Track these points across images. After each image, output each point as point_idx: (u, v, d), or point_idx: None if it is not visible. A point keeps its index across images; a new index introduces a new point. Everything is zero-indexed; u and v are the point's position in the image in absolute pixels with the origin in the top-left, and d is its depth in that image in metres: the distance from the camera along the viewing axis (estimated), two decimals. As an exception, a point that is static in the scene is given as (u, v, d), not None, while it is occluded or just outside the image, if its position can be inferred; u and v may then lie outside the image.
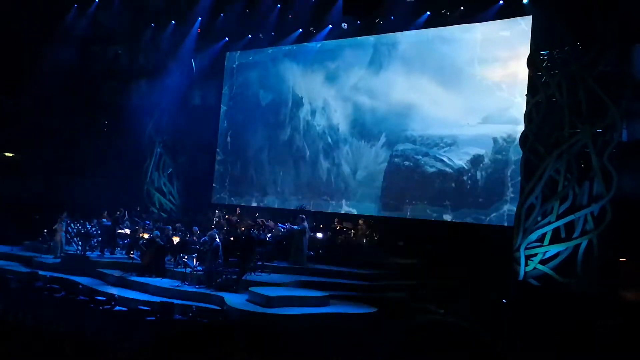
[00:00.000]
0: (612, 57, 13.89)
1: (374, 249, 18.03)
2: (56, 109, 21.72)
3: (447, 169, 18.37)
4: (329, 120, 21.17)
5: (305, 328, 12.27)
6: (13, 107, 22.91)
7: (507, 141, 17.24)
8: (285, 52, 22.51)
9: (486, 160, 17.69)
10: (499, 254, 14.87)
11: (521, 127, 15.22)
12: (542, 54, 14.93)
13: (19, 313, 13.39)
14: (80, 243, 18.55)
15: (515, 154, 16.40)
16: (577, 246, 13.86)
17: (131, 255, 17.24)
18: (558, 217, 14.02)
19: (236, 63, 23.93)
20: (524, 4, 16.61)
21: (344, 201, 20.52)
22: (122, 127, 23.14)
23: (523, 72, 16.06)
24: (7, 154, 24.20)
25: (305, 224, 17.12)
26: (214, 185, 24.04)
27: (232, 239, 16.45)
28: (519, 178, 15.68)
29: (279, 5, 21.27)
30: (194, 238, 17.08)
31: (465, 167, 18.03)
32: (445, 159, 18.41)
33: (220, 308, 13.68)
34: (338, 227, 19.13)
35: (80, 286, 15.34)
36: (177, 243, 17.21)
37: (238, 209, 21.53)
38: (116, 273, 16.52)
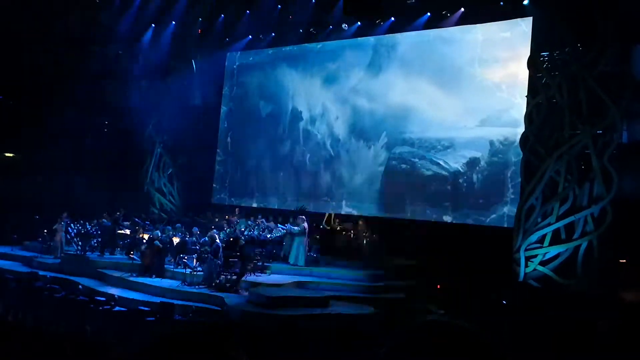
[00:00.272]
0: (612, 57, 13.90)
1: (374, 249, 18.02)
2: (56, 109, 21.68)
3: (443, 172, 18.38)
4: (329, 125, 21.16)
5: (305, 329, 12.27)
6: (13, 107, 22.88)
7: (504, 144, 17.26)
8: (286, 53, 22.51)
9: (482, 162, 17.69)
10: (499, 255, 14.86)
11: (519, 129, 15.24)
12: (543, 55, 14.95)
13: (19, 313, 13.36)
14: (80, 243, 18.54)
15: (516, 156, 16.40)
16: (577, 247, 13.87)
17: (131, 256, 17.24)
18: (558, 219, 14.03)
19: (236, 64, 23.93)
20: (524, 5, 16.61)
21: (344, 202, 20.52)
22: (122, 127, 23.13)
23: (523, 73, 16.07)
24: (7, 154, 24.18)
25: (305, 224, 17.13)
26: (214, 185, 24.04)
27: (231, 239, 16.45)
28: (519, 179, 15.69)
29: (279, 6, 21.29)
30: (194, 239, 17.08)
31: (461, 170, 18.03)
32: (441, 162, 18.42)
33: (220, 308, 13.67)
34: (338, 228, 19.10)
35: (80, 286, 15.33)
36: (177, 243, 17.21)
37: (237, 209, 21.52)
38: (116, 273, 16.51)
